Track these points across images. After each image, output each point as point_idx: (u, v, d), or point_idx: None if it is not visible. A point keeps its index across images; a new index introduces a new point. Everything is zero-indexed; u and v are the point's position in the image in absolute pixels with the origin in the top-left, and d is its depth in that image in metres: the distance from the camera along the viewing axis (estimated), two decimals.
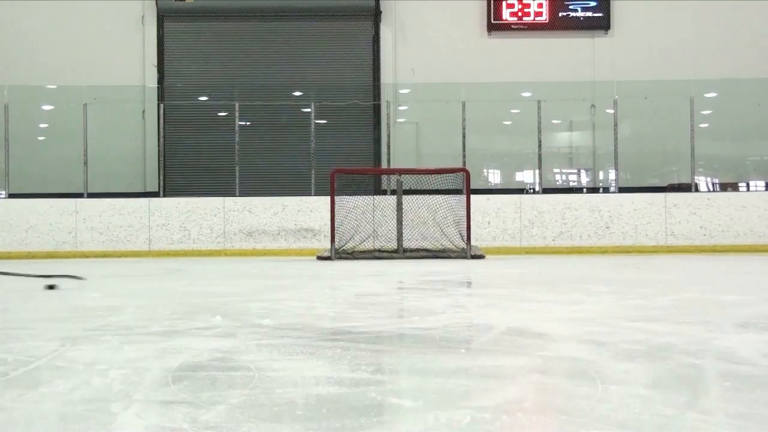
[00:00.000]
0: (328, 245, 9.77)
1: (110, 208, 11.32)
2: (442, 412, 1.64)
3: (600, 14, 13.58)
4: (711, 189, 12.72)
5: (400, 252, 9.81)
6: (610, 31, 13.62)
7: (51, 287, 5.14)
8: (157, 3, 13.42)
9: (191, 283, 6.05)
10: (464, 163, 11.75)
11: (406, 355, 2.46)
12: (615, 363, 2.25)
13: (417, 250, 9.86)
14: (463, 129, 11.99)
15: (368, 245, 10.08)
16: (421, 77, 13.31)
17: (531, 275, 6.54)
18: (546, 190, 12.32)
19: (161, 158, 12.60)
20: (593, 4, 13.57)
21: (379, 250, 9.95)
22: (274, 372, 2.11)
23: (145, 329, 3.04)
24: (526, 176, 13.37)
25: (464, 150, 12.02)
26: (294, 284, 5.70)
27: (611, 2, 13.63)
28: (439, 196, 10.18)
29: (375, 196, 10.83)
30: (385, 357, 2.42)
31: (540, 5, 13.51)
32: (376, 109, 13.39)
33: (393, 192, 10.37)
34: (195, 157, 13.27)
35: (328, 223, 9.84)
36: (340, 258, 9.49)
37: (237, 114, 12.39)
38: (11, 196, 12.11)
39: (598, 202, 11.45)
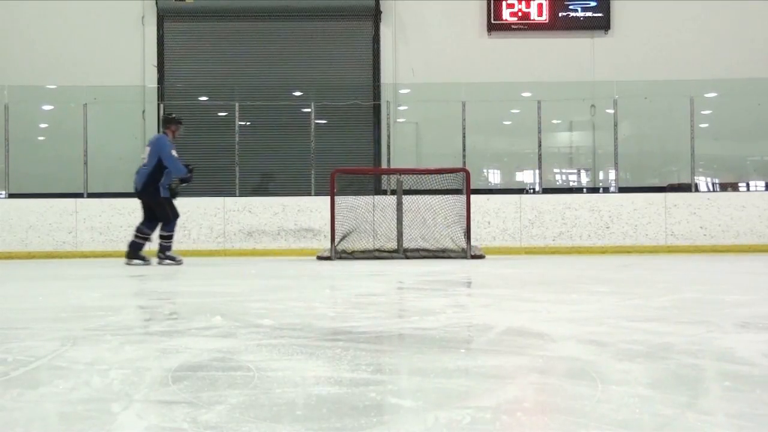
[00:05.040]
0: (328, 245, 9.76)
1: (110, 208, 11.32)
2: (442, 412, 1.65)
3: (600, 14, 13.58)
4: (711, 189, 12.72)
5: (400, 252, 9.80)
6: (610, 31, 13.62)
7: None
8: (157, 3, 13.41)
9: (191, 283, 6.04)
10: (464, 163, 11.74)
11: (406, 355, 2.46)
12: (615, 363, 2.25)
13: (417, 250, 9.85)
14: (463, 129, 11.99)
15: (368, 245, 10.08)
16: (421, 77, 13.31)
17: (531, 275, 6.54)
18: (546, 190, 12.32)
19: None
20: (593, 4, 13.56)
21: (379, 250, 9.94)
22: (274, 372, 2.11)
23: (145, 329, 3.04)
24: (526, 176, 13.37)
25: (464, 150, 12.01)
26: (294, 284, 5.70)
27: (611, 2, 13.62)
28: (439, 196, 10.17)
29: (375, 196, 10.82)
30: (385, 357, 2.42)
31: (540, 5, 13.51)
32: (376, 109, 13.39)
33: (393, 192, 10.36)
34: (195, 157, 13.25)
35: (328, 223, 9.83)
36: (340, 258, 9.48)
37: (237, 114, 12.38)
38: (11, 196, 12.11)
39: (598, 202, 11.45)
